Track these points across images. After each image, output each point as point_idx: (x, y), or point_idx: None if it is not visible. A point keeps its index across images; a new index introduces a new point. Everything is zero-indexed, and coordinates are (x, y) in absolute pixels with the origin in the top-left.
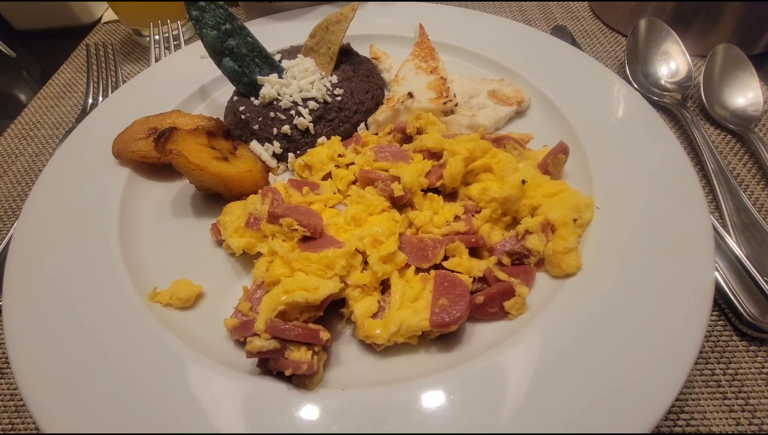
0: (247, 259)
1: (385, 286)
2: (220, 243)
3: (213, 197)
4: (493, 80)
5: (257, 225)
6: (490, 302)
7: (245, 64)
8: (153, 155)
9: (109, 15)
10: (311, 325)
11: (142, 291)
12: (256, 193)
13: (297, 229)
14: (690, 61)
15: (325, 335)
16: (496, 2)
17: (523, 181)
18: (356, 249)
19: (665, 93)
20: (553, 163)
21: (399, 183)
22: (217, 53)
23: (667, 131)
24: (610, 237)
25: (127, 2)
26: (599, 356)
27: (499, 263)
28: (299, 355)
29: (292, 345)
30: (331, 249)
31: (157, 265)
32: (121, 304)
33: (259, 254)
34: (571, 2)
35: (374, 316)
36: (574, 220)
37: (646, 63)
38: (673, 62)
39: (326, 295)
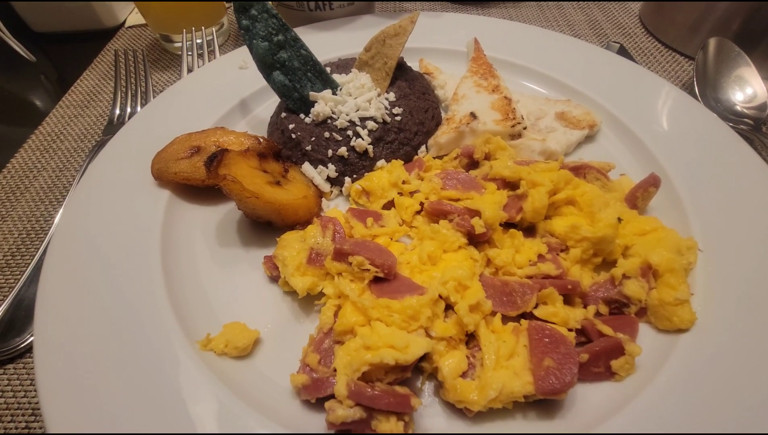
0: (307, 298)
1: (468, 337)
2: (274, 279)
3: (262, 224)
4: (559, 101)
5: (320, 261)
6: (596, 361)
7: (297, 78)
8: (197, 177)
9: (134, 19)
10: (400, 389)
11: (192, 337)
12: (309, 221)
13: (368, 269)
14: (764, 85)
15: (417, 402)
16: (541, 16)
17: (619, 220)
18: (439, 294)
19: (741, 119)
20: (642, 197)
21: (479, 217)
22: (267, 66)
23: (761, 162)
24: (722, 284)
25: (157, 5)
26: (729, 428)
27: (596, 313)
28: (389, 426)
29: (380, 414)
30: (415, 296)
31: (206, 304)
32: (170, 354)
33: (321, 294)
34: (621, 17)
35: (464, 374)
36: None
37: (718, 87)
38: (748, 87)
39: (419, 356)
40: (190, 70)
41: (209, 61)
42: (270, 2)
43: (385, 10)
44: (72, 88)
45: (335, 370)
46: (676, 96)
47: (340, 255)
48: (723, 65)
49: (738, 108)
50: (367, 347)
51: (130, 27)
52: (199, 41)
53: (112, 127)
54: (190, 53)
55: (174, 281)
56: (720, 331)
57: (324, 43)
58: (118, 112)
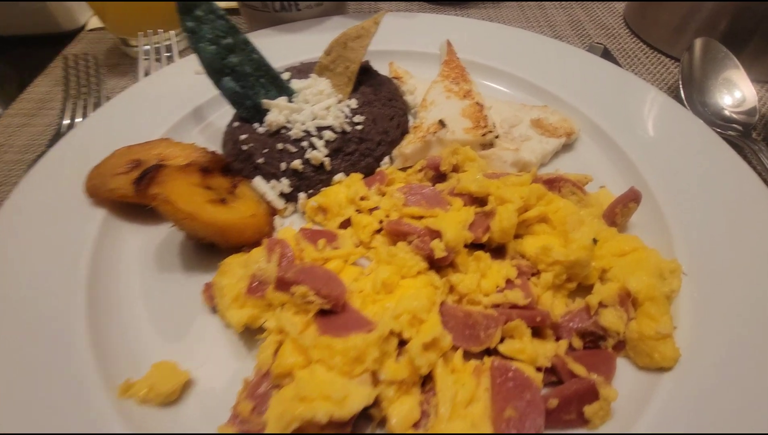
0: (249, 331)
1: (426, 377)
2: (215, 309)
3: (207, 246)
4: (535, 106)
5: (262, 291)
6: (566, 406)
7: (248, 84)
8: (134, 194)
9: (95, 21)
10: None
11: (114, 381)
12: (259, 242)
13: (313, 301)
14: (753, 88)
15: None
16: (522, 17)
17: (595, 241)
18: (390, 330)
19: (729, 124)
20: (622, 213)
21: (440, 239)
22: (215, 72)
23: (752, 174)
24: (709, 314)
25: (113, 6)
26: None
27: (569, 347)
28: None
29: None
30: (360, 334)
31: (135, 339)
32: (82, 403)
33: (263, 329)
34: (605, 18)
35: (416, 424)
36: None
37: (705, 91)
38: (737, 90)
39: (357, 410)
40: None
41: (163, 67)
42: (222, 3)
43: (360, 11)
44: (21, 95)
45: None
46: (660, 101)
47: (282, 284)
48: (710, 67)
49: (726, 113)
50: (302, 398)
51: (91, 30)
52: (158, 45)
53: (59, 138)
54: (147, 58)
55: (99, 314)
56: (706, 371)
57: (290, 46)
58: (66, 122)
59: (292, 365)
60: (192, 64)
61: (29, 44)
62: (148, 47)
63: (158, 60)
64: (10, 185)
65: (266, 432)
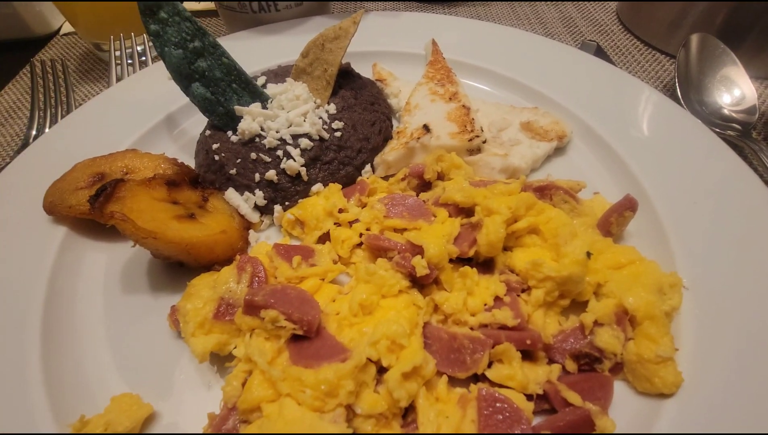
0: (221, 358)
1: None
2: (181, 334)
3: (176, 265)
4: (525, 108)
5: (231, 314)
6: None
7: (219, 90)
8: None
9: (69, 26)
10: None
11: (68, 417)
12: (232, 259)
13: (285, 326)
14: (752, 85)
15: None
16: (512, 15)
17: (589, 254)
18: (368, 358)
19: (728, 124)
20: (617, 223)
21: (422, 256)
22: (183, 77)
23: (754, 177)
24: (713, 333)
25: (83, 10)
26: None
27: (563, 371)
28: None
29: None
30: (334, 364)
31: (93, 369)
32: None
33: (232, 356)
34: (597, 14)
35: None
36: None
37: (702, 89)
38: (735, 88)
39: None
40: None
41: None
42: (200, 4)
43: (345, 10)
44: None
45: None
46: (656, 101)
47: (251, 308)
48: (707, 64)
49: (725, 111)
50: None
51: (65, 34)
52: (130, 50)
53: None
54: (119, 63)
55: (56, 342)
56: (712, 396)
57: (268, 48)
58: (34, 132)
59: (260, 399)
60: (163, 69)
61: (0, 50)
62: (119, 52)
63: (131, 65)
64: None
65: None
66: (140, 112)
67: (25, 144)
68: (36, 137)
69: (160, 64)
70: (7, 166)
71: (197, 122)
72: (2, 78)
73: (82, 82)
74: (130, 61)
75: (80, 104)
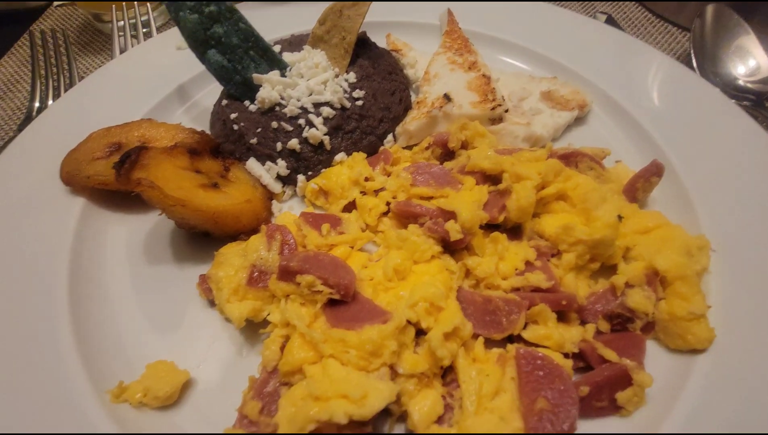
0: (251, 325)
1: (445, 369)
2: (213, 302)
3: (199, 235)
4: (544, 78)
5: (264, 281)
6: (598, 394)
7: (236, 58)
8: (114, 181)
9: None
10: None
11: (105, 384)
12: (257, 229)
13: (321, 291)
14: (767, 56)
15: None
16: None
17: (620, 218)
18: (407, 320)
19: (743, 94)
20: (643, 189)
21: (455, 220)
22: (199, 44)
23: None
24: (742, 291)
25: None
26: None
27: (596, 331)
28: None
29: None
30: (376, 325)
31: (126, 339)
32: (71, 409)
33: (267, 322)
34: None
35: (440, 419)
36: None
37: (717, 60)
38: (750, 59)
39: (379, 409)
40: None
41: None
42: None
43: None
44: None
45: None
46: (675, 70)
47: (286, 274)
48: (722, 35)
49: (740, 82)
50: (316, 397)
51: (60, 5)
52: (133, 20)
53: (29, 122)
54: (122, 34)
55: (84, 312)
56: (744, 350)
57: (279, 18)
58: (37, 105)
59: (301, 361)
60: (173, 38)
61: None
62: (122, 22)
63: (134, 36)
64: None
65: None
66: (150, 84)
67: (28, 116)
68: (39, 109)
69: (166, 34)
70: (17, 137)
71: (209, 94)
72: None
73: (82, 54)
74: (132, 33)
75: (82, 76)
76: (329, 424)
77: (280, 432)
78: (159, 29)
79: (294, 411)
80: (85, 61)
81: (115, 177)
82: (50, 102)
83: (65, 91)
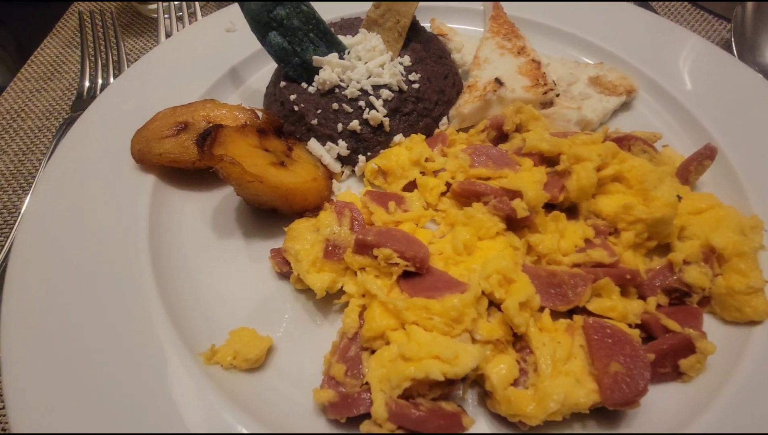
0: (324, 297)
1: (514, 338)
2: (283, 275)
3: (264, 211)
4: (590, 64)
5: (339, 255)
6: (662, 360)
7: (296, 40)
8: (186, 158)
9: None
10: (447, 406)
11: (193, 349)
12: (320, 207)
13: (397, 264)
14: None
15: (469, 422)
16: None
17: (679, 198)
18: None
19: None
20: (695, 171)
21: (521, 199)
22: (261, 26)
23: None
24: None
25: None
26: None
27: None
28: None
29: None
30: (456, 294)
31: (205, 308)
32: (167, 370)
33: (340, 292)
34: None
35: (515, 382)
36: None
37: (757, 49)
38: None
39: (471, 368)
40: (168, 36)
41: (190, 25)
42: None
43: None
44: (32, 58)
45: (365, 384)
46: (718, 56)
47: (362, 247)
48: (762, 25)
49: None
50: (407, 358)
51: None
52: (177, 2)
53: (82, 101)
54: (167, 16)
55: (167, 283)
56: None
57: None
58: (87, 84)
59: (384, 327)
60: (221, 21)
61: (30, 3)
62: (166, 5)
63: (179, 19)
64: (38, 154)
65: (372, 394)
66: (203, 65)
67: (79, 95)
68: (90, 89)
69: (213, 16)
70: (81, 116)
71: (261, 76)
72: (38, 32)
73: (124, 36)
74: (177, 14)
75: (128, 58)
76: (422, 382)
77: (373, 391)
78: (202, 9)
79: (385, 372)
80: (129, 43)
81: (198, 154)
82: (99, 81)
83: (114, 71)
